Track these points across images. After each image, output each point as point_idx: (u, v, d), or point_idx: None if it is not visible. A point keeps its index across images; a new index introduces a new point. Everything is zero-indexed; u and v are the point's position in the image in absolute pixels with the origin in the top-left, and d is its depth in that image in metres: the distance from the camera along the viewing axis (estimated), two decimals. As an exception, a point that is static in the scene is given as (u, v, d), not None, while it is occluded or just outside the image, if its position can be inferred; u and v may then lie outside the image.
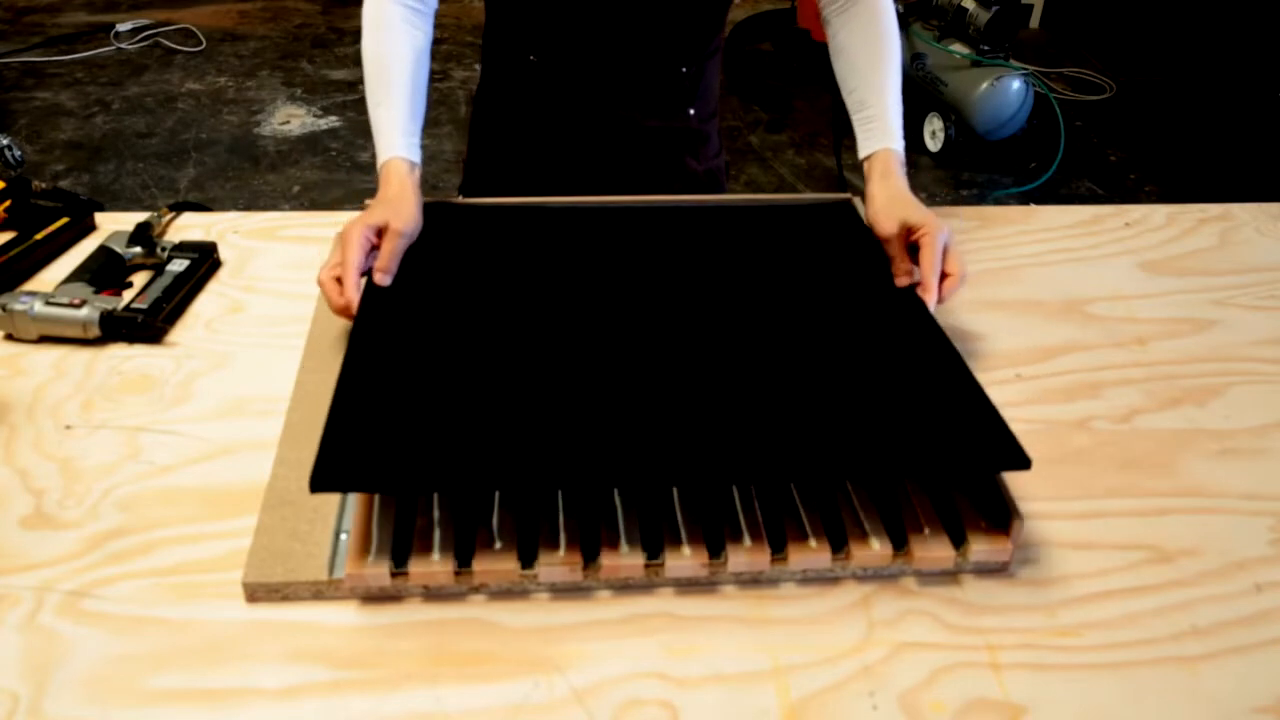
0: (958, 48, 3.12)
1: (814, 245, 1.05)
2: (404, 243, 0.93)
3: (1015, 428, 0.90)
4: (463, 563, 0.73)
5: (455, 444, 0.74)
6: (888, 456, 0.74)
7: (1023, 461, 0.74)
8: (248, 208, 2.85)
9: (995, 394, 0.94)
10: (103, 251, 1.06)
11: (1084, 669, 0.70)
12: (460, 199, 1.13)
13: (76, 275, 1.02)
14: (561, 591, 0.74)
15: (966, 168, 3.17)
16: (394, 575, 0.72)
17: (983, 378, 0.96)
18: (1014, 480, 0.80)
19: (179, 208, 1.18)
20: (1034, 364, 0.98)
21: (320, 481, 0.70)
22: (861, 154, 1.05)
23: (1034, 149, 3.21)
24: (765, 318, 0.92)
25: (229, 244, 1.12)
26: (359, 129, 3.30)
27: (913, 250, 0.97)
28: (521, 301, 0.93)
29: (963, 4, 3.08)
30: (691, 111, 1.21)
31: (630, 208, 1.11)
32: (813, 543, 0.75)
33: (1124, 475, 0.86)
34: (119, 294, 1.02)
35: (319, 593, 0.72)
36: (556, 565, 0.73)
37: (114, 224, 1.13)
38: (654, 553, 0.74)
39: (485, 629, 0.71)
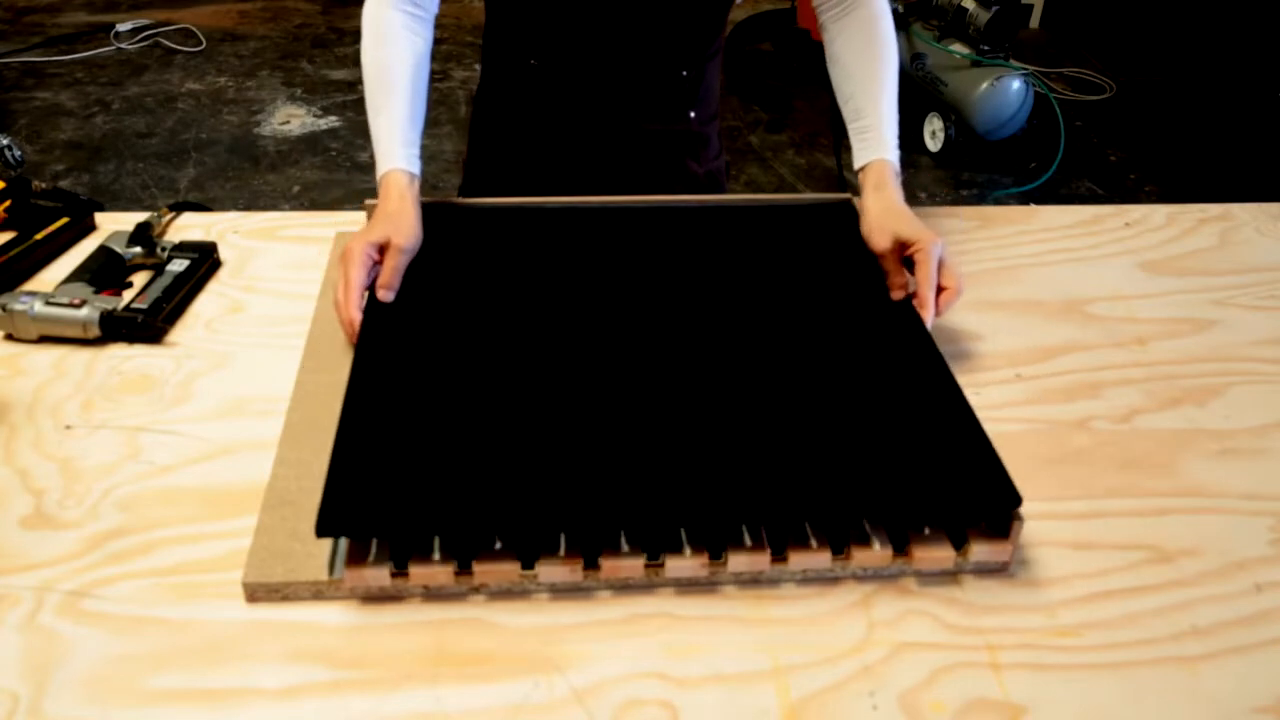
0: (958, 48, 3.12)
1: (814, 245, 1.05)
2: (405, 259, 0.93)
3: (1015, 428, 0.91)
4: (463, 563, 0.73)
5: (459, 485, 0.74)
6: (873, 497, 0.75)
7: (1014, 501, 0.74)
8: (248, 208, 2.85)
9: (995, 394, 0.94)
10: (103, 251, 1.06)
11: (1084, 669, 0.70)
12: (460, 199, 1.13)
13: (76, 275, 1.02)
14: (562, 592, 0.74)
15: (966, 168, 3.17)
16: (394, 575, 0.72)
17: (983, 377, 0.96)
18: (1014, 480, 0.80)
19: (179, 208, 1.18)
20: (1034, 364, 0.98)
21: (325, 528, 0.70)
22: (856, 165, 1.05)
23: (1034, 149, 3.21)
24: (764, 328, 0.92)
25: (229, 244, 1.12)
26: (359, 129, 3.30)
27: (909, 263, 0.97)
28: (522, 315, 0.93)
29: (963, 4, 3.08)
30: (692, 114, 1.21)
31: (630, 208, 1.11)
32: (813, 543, 0.75)
33: (1124, 475, 0.86)
34: (119, 294, 1.02)
35: (319, 593, 0.72)
36: (557, 565, 0.73)
37: (114, 224, 1.13)
38: (654, 553, 0.74)
39: (485, 629, 0.71)
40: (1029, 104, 3.07)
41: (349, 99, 3.52)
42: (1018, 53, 3.40)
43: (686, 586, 0.75)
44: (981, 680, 0.69)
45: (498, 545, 0.74)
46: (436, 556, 0.73)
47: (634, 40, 1.12)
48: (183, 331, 0.99)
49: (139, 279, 1.06)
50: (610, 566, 0.73)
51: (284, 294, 1.05)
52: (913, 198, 2.98)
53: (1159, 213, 1.25)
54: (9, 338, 0.97)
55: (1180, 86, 3.77)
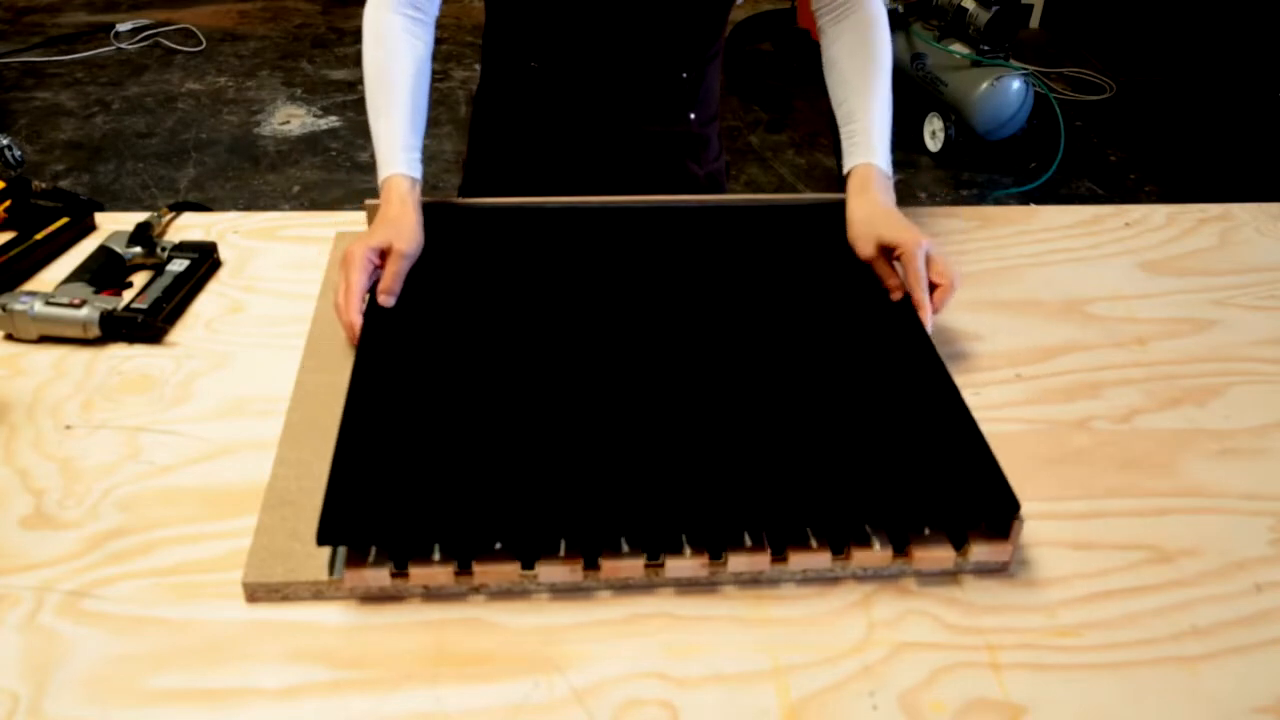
0: (958, 48, 3.12)
1: (814, 245, 1.05)
2: (407, 264, 0.94)
3: (1015, 428, 0.91)
4: (463, 563, 0.73)
5: (459, 491, 0.74)
6: (871, 506, 0.75)
7: (1012, 508, 0.74)
8: (248, 208, 2.85)
9: (995, 394, 0.94)
10: (103, 251, 1.06)
11: (1084, 669, 0.70)
12: (460, 200, 1.13)
13: (76, 275, 1.02)
14: (562, 592, 0.74)
15: (966, 168, 3.17)
16: (394, 575, 0.72)
17: (983, 377, 0.96)
18: (1014, 480, 0.80)
19: (179, 208, 1.18)
20: (1034, 364, 0.98)
21: (326, 536, 0.70)
22: (844, 169, 1.05)
23: (1034, 149, 3.21)
24: (765, 329, 0.92)
25: (229, 244, 1.12)
26: (359, 129, 3.30)
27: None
28: (523, 316, 0.93)
29: (963, 4, 3.08)
30: (692, 116, 1.21)
31: (631, 208, 1.11)
32: (813, 543, 0.75)
33: (1124, 475, 0.86)
34: (119, 294, 1.02)
35: (319, 593, 0.72)
36: (557, 565, 0.73)
37: (114, 224, 1.13)
38: (654, 553, 0.74)
39: (485, 629, 0.71)
40: (1029, 104, 3.07)
41: (349, 99, 3.52)
42: (1018, 53, 3.40)
43: (686, 586, 0.75)
44: (981, 680, 0.69)
45: (497, 548, 0.74)
46: (437, 557, 0.73)
47: (634, 42, 1.12)
48: (183, 331, 0.99)
49: (139, 279, 1.06)
50: (610, 567, 0.73)
51: (284, 294, 1.05)
52: (913, 197, 2.99)
53: (1159, 213, 1.25)
54: (9, 338, 0.97)
55: (1180, 86, 3.77)
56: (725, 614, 0.73)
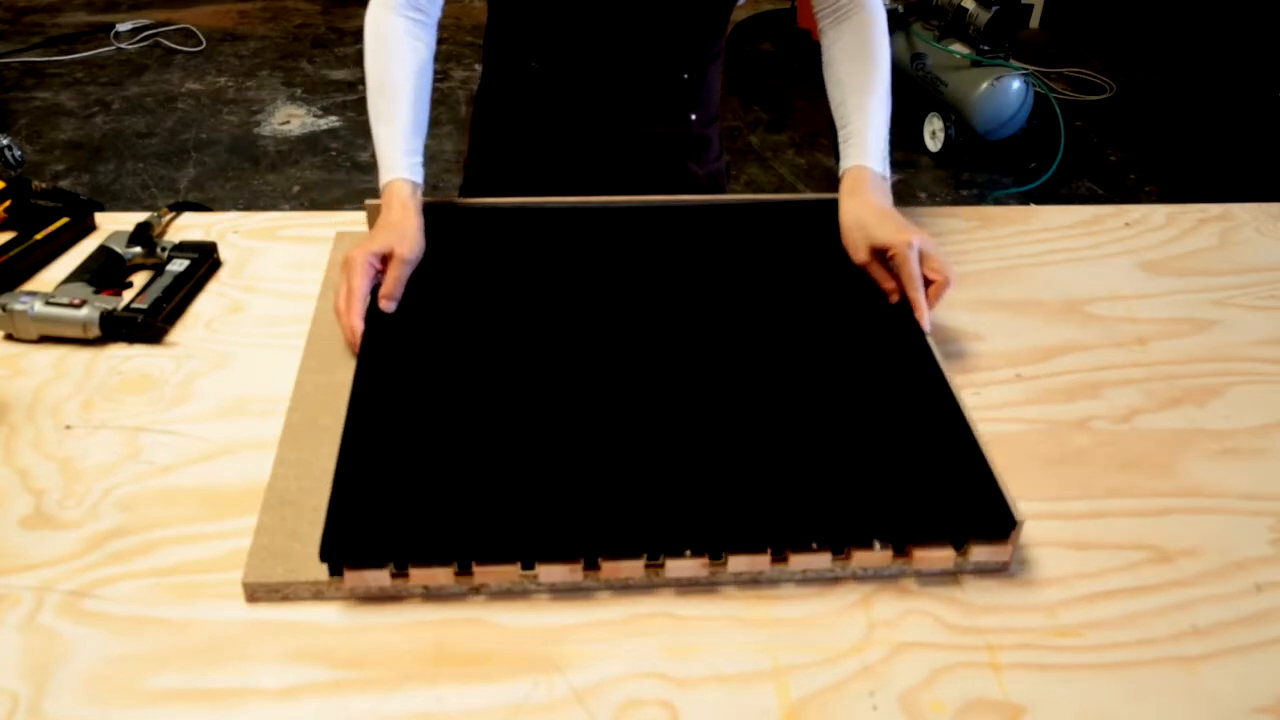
0: (958, 48, 3.12)
1: (814, 245, 1.05)
2: (408, 269, 0.94)
3: (1015, 428, 0.91)
4: (463, 564, 0.73)
5: (460, 500, 0.74)
6: (869, 523, 0.75)
7: (1009, 524, 0.74)
8: (248, 208, 2.85)
9: (995, 394, 0.94)
10: (103, 251, 1.06)
11: (1084, 669, 0.70)
12: (461, 200, 1.13)
13: (76, 275, 1.02)
14: (562, 592, 0.74)
15: (966, 168, 3.16)
16: (394, 576, 0.72)
17: (983, 377, 0.96)
18: (1014, 480, 0.80)
19: (179, 208, 1.18)
20: (1034, 364, 0.98)
21: (329, 553, 0.70)
22: (839, 172, 1.05)
23: (1034, 149, 3.21)
24: (765, 331, 0.92)
25: (229, 244, 1.12)
26: (359, 129, 3.30)
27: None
28: (524, 318, 0.93)
29: (963, 4, 3.08)
30: (693, 116, 1.21)
31: (631, 208, 1.11)
32: (812, 544, 0.75)
33: (1124, 475, 0.86)
34: (119, 294, 1.02)
35: (319, 593, 0.72)
36: (557, 565, 0.73)
37: (114, 224, 1.13)
38: (654, 554, 0.74)
39: (485, 629, 0.71)
40: (1029, 104, 3.07)
41: (349, 99, 3.52)
42: (1018, 53, 3.40)
43: (686, 586, 0.75)
44: (981, 680, 0.69)
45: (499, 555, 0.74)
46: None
47: (635, 43, 1.12)
48: (183, 331, 0.99)
49: (139, 279, 1.06)
50: (610, 567, 0.73)
51: (284, 294, 1.05)
52: (913, 197, 2.99)
53: (1159, 213, 1.25)
54: (9, 338, 0.97)
55: (1180, 86, 3.77)
56: (725, 614, 0.73)
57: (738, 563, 0.73)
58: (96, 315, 0.95)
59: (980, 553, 0.75)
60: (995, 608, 0.74)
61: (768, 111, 3.56)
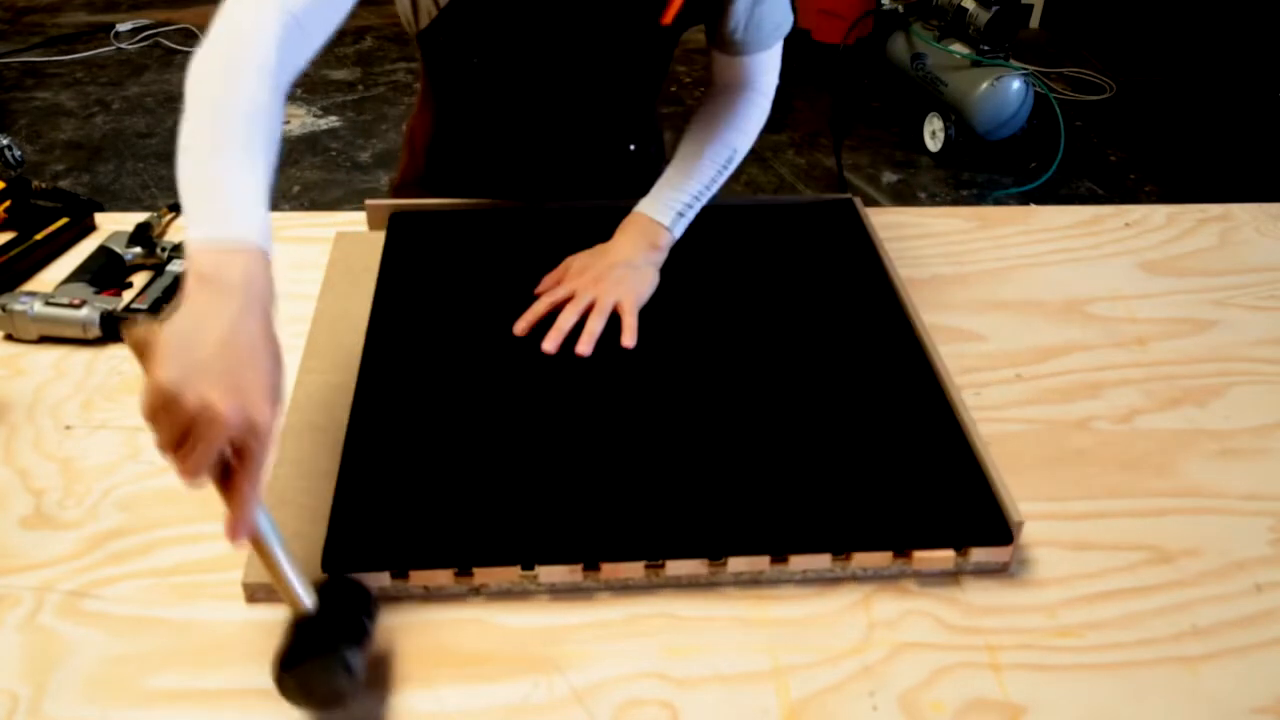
0: (958, 48, 3.12)
1: (814, 245, 1.05)
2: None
3: (1015, 428, 0.91)
4: (464, 567, 0.72)
5: (461, 513, 0.74)
6: (866, 533, 0.75)
7: (1006, 534, 0.75)
8: (248, 208, 2.84)
9: (995, 394, 0.94)
10: (103, 251, 1.06)
11: (1084, 669, 0.70)
12: (461, 200, 1.13)
13: (76, 275, 1.02)
14: (562, 592, 0.74)
15: (966, 168, 3.16)
16: (394, 577, 0.72)
17: (983, 378, 0.96)
18: (1014, 480, 0.80)
19: (179, 208, 1.18)
20: (1034, 364, 0.98)
21: (332, 563, 0.71)
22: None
23: (1034, 149, 3.21)
24: (764, 333, 0.92)
25: (229, 244, 1.12)
26: (359, 129, 3.30)
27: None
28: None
29: (963, 4, 3.08)
30: (632, 148, 1.21)
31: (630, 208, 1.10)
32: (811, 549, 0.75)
33: (1124, 475, 0.86)
34: (119, 294, 1.02)
35: (319, 593, 0.72)
36: (557, 566, 0.73)
37: (114, 224, 1.13)
38: (654, 556, 0.74)
39: (485, 629, 0.71)
40: (1029, 104, 3.07)
41: (349, 99, 3.52)
42: (1018, 53, 3.39)
43: (686, 587, 0.75)
44: (981, 680, 0.69)
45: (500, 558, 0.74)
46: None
47: (575, 121, 1.11)
48: (183, 331, 0.99)
49: (139, 279, 1.06)
50: (610, 568, 0.73)
51: (284, 294, 1.04)
52: (913, 197, 2.99)
53: (1159, 213, 1.25)
54: (9, 338, 0.97)
55: (1180, 86, 3.76)
56: (725, 614, 0.73)
57: (738, 563, 0.73)
58: (96, 315, 0.95)
59: (980, 553, 0.75)
60: (995, 608, 0.74)
61: (768, 111, 3.56)
